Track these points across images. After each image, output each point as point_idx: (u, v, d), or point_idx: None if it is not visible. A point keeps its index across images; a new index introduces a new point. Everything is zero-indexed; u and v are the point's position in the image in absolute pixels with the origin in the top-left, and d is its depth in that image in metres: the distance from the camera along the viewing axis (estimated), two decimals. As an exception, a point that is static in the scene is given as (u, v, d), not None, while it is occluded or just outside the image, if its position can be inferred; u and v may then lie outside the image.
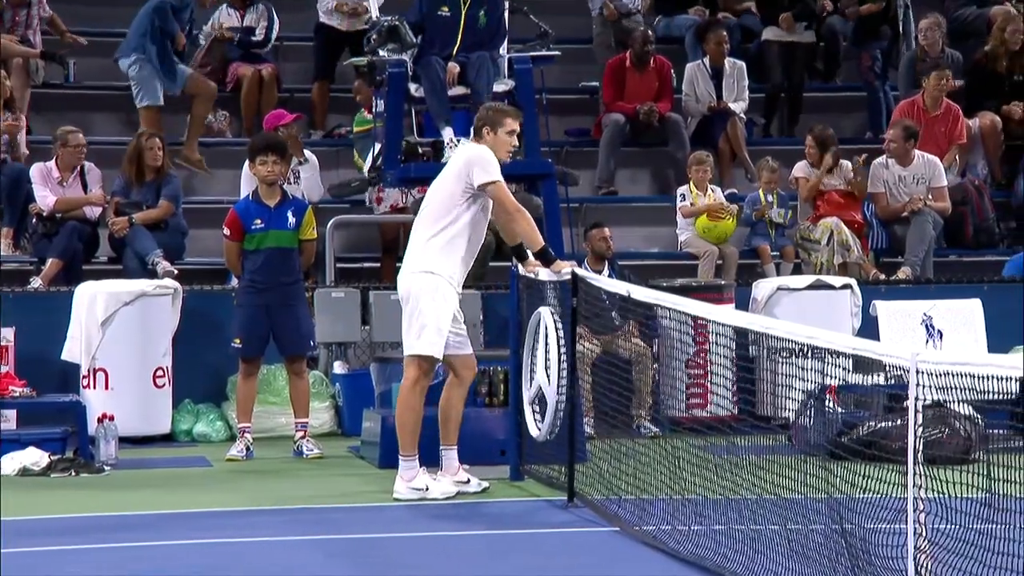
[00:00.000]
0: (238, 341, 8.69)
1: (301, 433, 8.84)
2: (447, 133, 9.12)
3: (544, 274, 7.40)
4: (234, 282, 9.41)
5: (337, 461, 8.70)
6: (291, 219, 8.72)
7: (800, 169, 11.26)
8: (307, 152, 10.89)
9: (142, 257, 10.20)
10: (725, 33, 12.34)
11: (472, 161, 7.18)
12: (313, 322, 9.30)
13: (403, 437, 7.20)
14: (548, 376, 7.27)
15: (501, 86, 9.61)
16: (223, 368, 9.48)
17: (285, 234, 8.70)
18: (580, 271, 7.43)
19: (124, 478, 8.09)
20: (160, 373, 9.25)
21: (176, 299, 9.43)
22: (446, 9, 9.33)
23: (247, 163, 9.16)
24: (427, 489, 7.21)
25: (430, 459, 7.37)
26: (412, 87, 9.49)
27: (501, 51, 9.68)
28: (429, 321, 7.07)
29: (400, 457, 7.25)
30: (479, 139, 7.32)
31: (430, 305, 7.08)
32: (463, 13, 9.33)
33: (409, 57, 9.52)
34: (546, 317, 7.32)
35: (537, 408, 7.41)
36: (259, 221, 8.68)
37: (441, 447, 7.39)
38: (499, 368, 8.24)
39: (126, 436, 8.85)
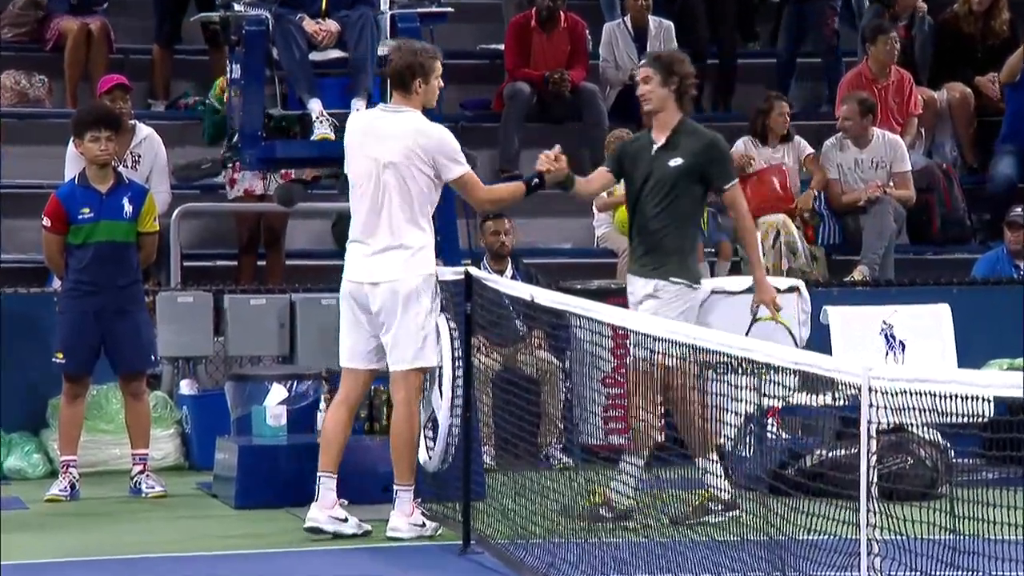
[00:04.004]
0: (60, 355, 8.62)
1: (139, 467, 8.79)
2: (314, 106, 9.10)
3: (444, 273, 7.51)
4: (56, 283, 9.32)
5: (184, 500, 8.68)
6: (127, 207, 8.68)
7: (743, 148, 11.39)
8: (145, 127, 10.81)
9: (-58, 253, 10.11)
10: (648, -14, 12.48)
11: (438, 153, 7.35)
12: (154, 332, 9.25)
13: (408, 462, 7.34)
14: (441, 394, 7.33)
15: (383, 48, 9.62)
16: (42, 388, 9.40)
17: (119, 225, 8.65)
18: (476, 271, 7.49)
19: (-80, 524, 7.97)
20: (-36, 395, 9.14)
21: (-16, 305, 9.33)
22: None
23: (73, 140, 9.07)
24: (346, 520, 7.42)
25: (306, 494, 7.37)
26: (275, 49, 9.46)
27: (382, 7, 9.70)
28: (431, 329, 7.34)
29: (399, 488, 7.36)
30: (407, 95, 7.38)
31: (431, 310, 7.33)
32: None
33: (271, 12, 9.48)
34: (440, 325, 7.39)
35: (430, 432, 7.49)
36: (87, 210, 8.61)
37: (320, 474, 7.43)
38: (381, 388, 8.27)
39: (-78, 472, 8.74)
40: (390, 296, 7.32)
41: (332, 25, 9.14)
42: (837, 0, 12.94)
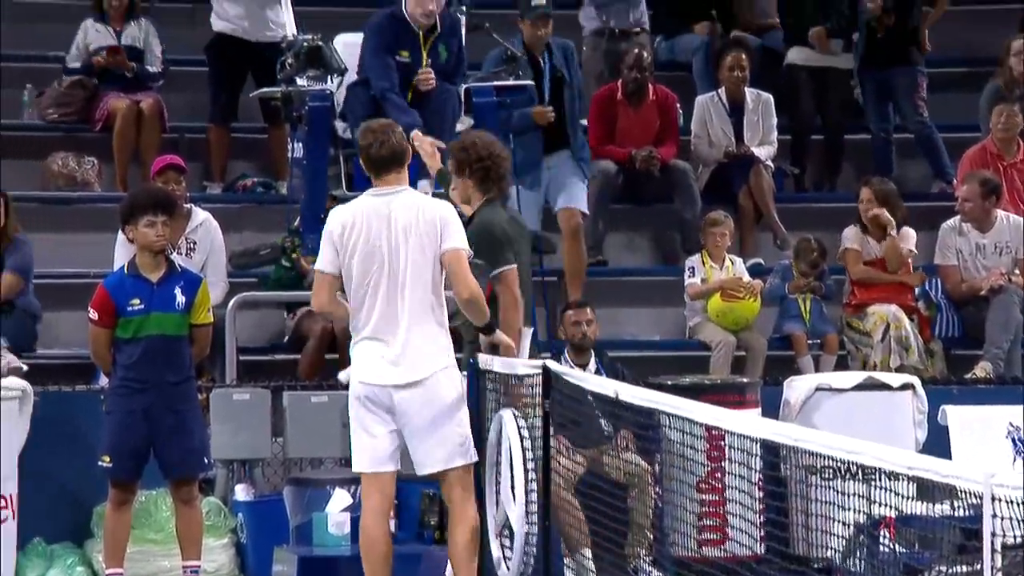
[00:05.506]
0: (107, 459, 8.63)
1: (190, 580, 8.78)
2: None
3: (499, 364, 7.49)
4: (103, 380, 9.37)
5: (238, 618, 8.68)
6: (179, 298, 8.70)
7: (851, 238, 11.32)
8: (201, 212, 10.91)
9: (-20, 349, 10.19)
10: (745, 56, 12.47)
11: (444, 221, 7.41)
12: (208, 433, 9.26)
13: (475, 567, 7.35)
14: (514, 497, 7.28)
15: (457, 124, 9.71)
16: (87, 495, 9.41)
17: (171, 318, 8.68)
18: (555, 365, 7.47)
19: (-47, 642, 8.00)
20: (1, 504, 9.15)
21: (25, 404, 9.35)
22: (405, 54, 9.48)
23: (124, 225, 9.13)
24: None
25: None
26: (339, 126, 9.57)
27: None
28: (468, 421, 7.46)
29: None
30: (400, 173, 7.47)
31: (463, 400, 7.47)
32: (424, 54, 9.48)
33: (336, 86, 9.61)
34: (508, 423, 7.35)
35: (507, 542, 7.46)
36: (137, 301, 8.65)
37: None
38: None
39: (-43, 587, 8.77)
40: (425, 395, 7.32)
41: (416, 135, 9.19)
42: (922, 66, 12.87)
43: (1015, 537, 4.78)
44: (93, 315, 8.71)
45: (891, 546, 7.70)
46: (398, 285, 7.35)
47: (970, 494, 4.83)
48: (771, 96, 12.47)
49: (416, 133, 9.07)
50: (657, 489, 9.14)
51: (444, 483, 7.45)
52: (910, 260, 11.27)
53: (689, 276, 11.25)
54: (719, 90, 12.45)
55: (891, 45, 12.70)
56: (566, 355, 9.76)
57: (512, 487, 7.33)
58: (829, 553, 7.50)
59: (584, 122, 11.48)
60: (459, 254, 7.40)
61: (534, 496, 7.25)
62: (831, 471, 6.19)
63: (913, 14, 12.79)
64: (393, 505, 7.76)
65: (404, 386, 7.33)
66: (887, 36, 12.69)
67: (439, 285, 7.42)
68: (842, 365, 11.10)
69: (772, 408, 9.83)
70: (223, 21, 12.15)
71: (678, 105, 12.34)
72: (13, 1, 12.84)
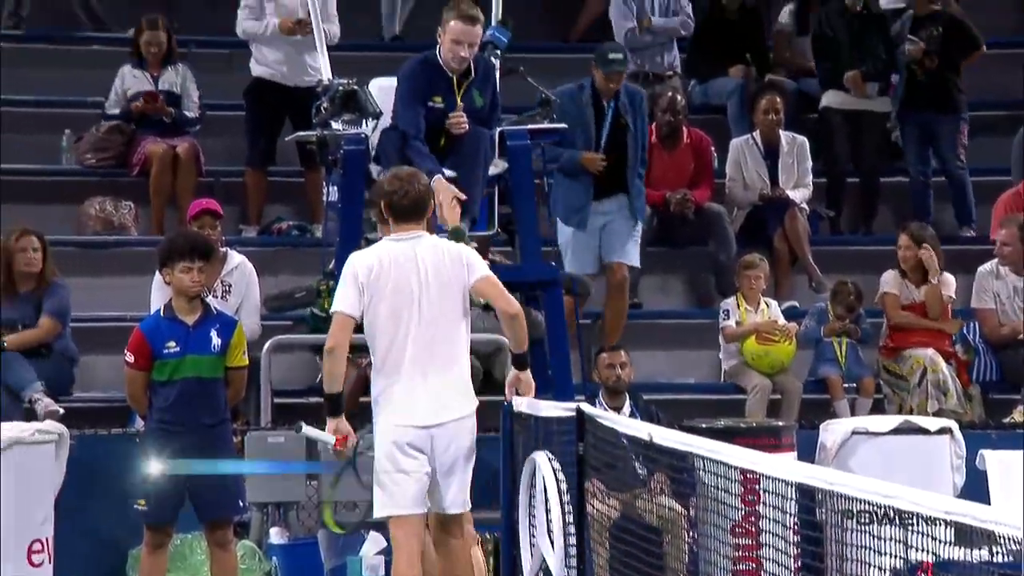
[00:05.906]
0: (142, 503, 8.61)
1: (225, 624, 8.76)
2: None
3: (527, 405, 7.47)
4: (139, 423, 9.37)
5: (272, 662, 8.64)
6: (215, 340, 8.70)
7: (890, 282, 11.27)
8: (237, 255, 10.93)
9: (16, 392, 10.17)
10: (779, 99, 12.46)
11: (467, 258, 7.43)
12: (243, 476, 9.24)
13: None
14: (552, 542, 7.24)
15: (491, 168, 9.70)
16: (122, 538, 9.42)
17: (207, 360, 8.67)
18: (589, 408, 7.43)
19: None
20: (37, 547, 9.13)
21: (61, 447, 9.35)
22: (439, 99, 9.50)
23: (160, 269, 9.15)
24: None
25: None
26: (374, 169, 9.56)
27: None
28: None
29: None
30: (420, 222, 7.43)
31: None
32: (458, 99, 9.50)
33: (371, 130, 9.61)
34: (543, 465, 7.31)
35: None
36: (173, 344, 8.64)
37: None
38: (487, 535, 8.20)
39: (-8, 630, 8.76)
40: (460, 435, 7.33)
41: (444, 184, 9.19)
42: (965, 112, 12.81)
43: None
44: (129, 358, 8.71)
45: (929, 591, 7.62)
46: (428, 326, 7.34)
47: (1009, 540, 4.77)
48: (806, 139, 12.45)
49: (439, 179, 9.06)
50: (692, 533, 9.09)
51: (453, 523, 7.40)
52: (949, 306, 11.22)
53: (724, 319, 11.23)
54: (754, 133, 12.45)
55: (933, 88, 12.68)
56: (600, 398, 9.73)
57: (549, 531, 7.28)
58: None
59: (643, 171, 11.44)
60: (491, 278, 7.42)
61: (572, 540, 7.20)
62: (867, 516, 6.13)
63: (955, 58, 12.75)
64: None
65: (441, 425, 7.32)
66: (928, 79, 12.66)
67: (467, 324, 7.41)
68: (878, 409, 11.05)
69: (808, 452, 9.76)
70: (262, 66, 12.22)
71: (712, 148, 12.34)
72: (52, 48, 12.93)
